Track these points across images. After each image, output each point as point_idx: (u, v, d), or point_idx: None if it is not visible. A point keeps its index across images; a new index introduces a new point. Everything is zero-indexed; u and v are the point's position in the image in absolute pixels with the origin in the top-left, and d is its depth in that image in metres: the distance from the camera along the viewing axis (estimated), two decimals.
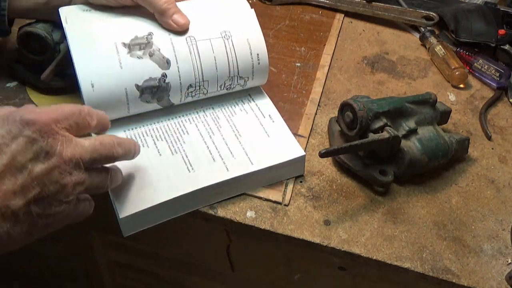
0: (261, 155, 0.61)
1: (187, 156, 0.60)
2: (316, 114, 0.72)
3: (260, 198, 0.61)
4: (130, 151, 0.52)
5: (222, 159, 0.60)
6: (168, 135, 0.62)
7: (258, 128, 0.64)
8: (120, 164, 0.53)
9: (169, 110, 0.64)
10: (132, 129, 0.62)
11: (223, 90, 0.65)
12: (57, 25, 0.67)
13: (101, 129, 0.50)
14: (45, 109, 0.45)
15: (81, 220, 0.49)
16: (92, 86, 0.57)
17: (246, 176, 0.59)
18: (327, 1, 0.89)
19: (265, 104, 0.67)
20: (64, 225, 0.47)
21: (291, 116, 0.69)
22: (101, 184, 0.49)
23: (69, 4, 0.64)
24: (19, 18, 0.68)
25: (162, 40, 0.60)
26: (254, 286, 0.76)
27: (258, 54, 0.64)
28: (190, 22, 0.62)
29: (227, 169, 0.59)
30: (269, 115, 0.66)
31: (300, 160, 0.62)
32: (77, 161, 0.45)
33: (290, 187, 0.62)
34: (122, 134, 0.62)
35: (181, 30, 0.61)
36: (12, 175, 0.41)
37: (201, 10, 0.65)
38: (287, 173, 0.63)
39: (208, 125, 0.64)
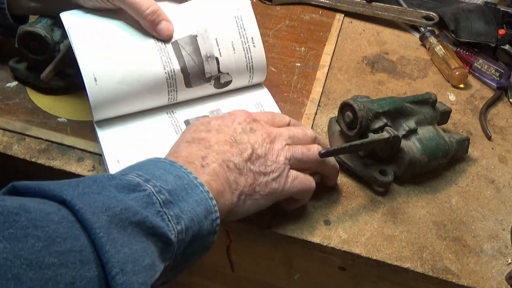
0: None
1: None
2: (316, 114, 0.72)
3: None
4: (315, 139, 0.60)
5: None
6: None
7: None
8: None
9: (170, 108, 0.65)
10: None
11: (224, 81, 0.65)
12: (58, 23, 0.67)
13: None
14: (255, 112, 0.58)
15: (300, 190, 0.56)
16: (95, 80, 0.57)
17: None
18: (327, 1, 0.89)
19: (269, 105, 0.67)
20: (285, 193, 0.55)
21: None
22: (306, 155, 0.57)
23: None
24: (23, 14, 0.69)
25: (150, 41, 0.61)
26: (254, 286, 0.76)
27: (252, 38, 0.64)
28: (174, 29, 0.62)
29: None
30: None
31: None
32: (277, 135, 0.56)
33: None
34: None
35: (164, 40, 0.62)
36: (228, 142, 0.53)
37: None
38: None
39: None
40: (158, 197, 0.43)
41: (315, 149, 0.57)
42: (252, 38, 0.65)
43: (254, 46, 0.65)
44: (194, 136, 0.54)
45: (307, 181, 0.57)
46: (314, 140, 0.59)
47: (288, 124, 0.59)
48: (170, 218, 0.43)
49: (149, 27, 0.60)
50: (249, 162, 0.52)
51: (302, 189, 0.56)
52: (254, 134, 0.54)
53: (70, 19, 0.60)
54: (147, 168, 0.46)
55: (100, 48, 0.59)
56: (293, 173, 0.55)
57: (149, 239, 0.41)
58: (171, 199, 0.44)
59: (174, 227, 0.43)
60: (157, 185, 0.44)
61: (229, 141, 0.53)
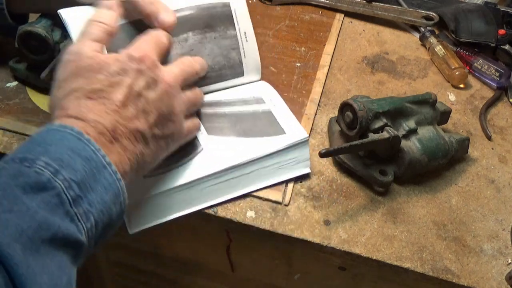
0: (264, 141, 0.61)
1: None
2: (316, 114, 0.72)
3: (260, 198, 0.61)
4: (203, 66, 0.60)
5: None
6: None
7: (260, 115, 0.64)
8: None
9: None
10: None
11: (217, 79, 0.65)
12: (57, 24, 0.67)
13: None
14: (142, 46, 0.52)
15: (192, 136, 0.58)
16: None
17: (251, 164, 0.59)
18: (327, 1, 0.89)
19: (270, 94, 0.68)
20: (179, 145, 0.55)
21: None
22: (195, 99, 0.57)
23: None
24: (22, 13, 0.69)
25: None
26: (254, 286, 0.76)
27: (245, 32, 0.64)
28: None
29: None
30: (270, 99, 0.66)
31: (304, 146, 0.61)
32: (175, 84, 0.52)
33: (290, 187, 0.62)
34: None
35: (168, 29, 0.58)
36: (133, 103, 0.48)
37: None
38: (291, 165, 0.62)
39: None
40: (68, 195, 0.40)
41: (200, 93, 0.59)
42: (245, 32, 0.64)
43: (247, 40, 0.65)
44: (94, 88, 0.47)
45: (195, 126, 0.58)
46: (200, 71, 0.59)
47: (168, 47, 0.56)
48: (79, 217, 0.41)
49: (150, 19, 0.57)
50: (154, 127, 0.49)
51: (192, 135, 0.58)
52: (157, 88, 0.50)
53: (70, 15, 0.60)
54: (54, 149, 0.42)
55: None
56: (187, 124, 0.56)
57: (62, 250, 0.40)
58: (81, 193, 0.41)
59: (84, 225, 0.41)
60: (66, 179, 0.40)
61: (133, 102, 0.48)
